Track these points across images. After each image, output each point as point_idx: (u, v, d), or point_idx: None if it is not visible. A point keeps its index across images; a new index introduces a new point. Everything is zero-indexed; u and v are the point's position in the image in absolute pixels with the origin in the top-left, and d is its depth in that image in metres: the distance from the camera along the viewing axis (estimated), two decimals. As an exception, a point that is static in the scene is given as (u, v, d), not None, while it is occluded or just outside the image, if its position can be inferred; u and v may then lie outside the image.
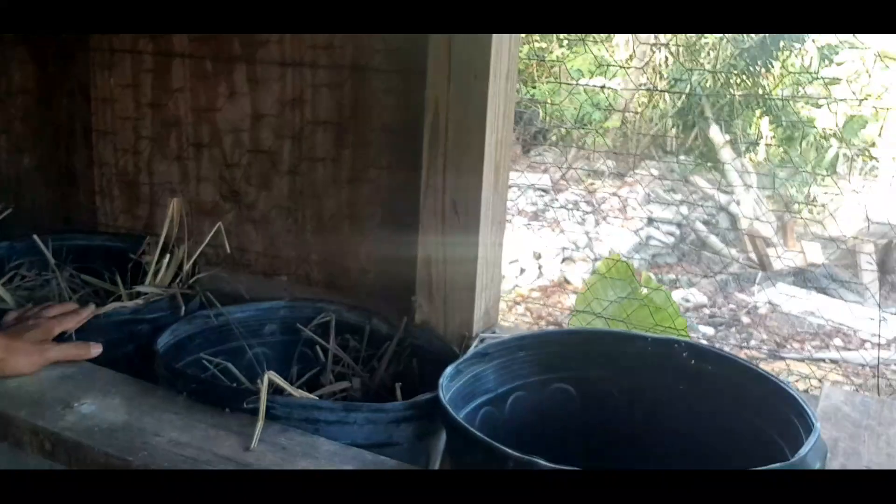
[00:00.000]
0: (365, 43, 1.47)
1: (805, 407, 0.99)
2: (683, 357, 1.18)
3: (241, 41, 1.59)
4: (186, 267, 1.49)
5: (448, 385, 1.11)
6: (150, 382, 1.23)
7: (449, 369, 1.14)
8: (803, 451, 0.89)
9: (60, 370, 1.21)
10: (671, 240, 4.89)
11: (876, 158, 6.95)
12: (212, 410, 1.10)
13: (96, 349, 1.31)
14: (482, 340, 1.35)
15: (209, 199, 1.70)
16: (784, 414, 1.04)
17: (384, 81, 1.46)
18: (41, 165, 1.93)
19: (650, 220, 4.93)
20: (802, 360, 3.79)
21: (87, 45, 1.77)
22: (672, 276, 4.57)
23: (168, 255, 1.47)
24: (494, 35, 1.26)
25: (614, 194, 5.01)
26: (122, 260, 1.65)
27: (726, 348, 3.93)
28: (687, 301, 4.02)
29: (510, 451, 0.90)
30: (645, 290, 2.11)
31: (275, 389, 1.09)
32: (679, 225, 4.98)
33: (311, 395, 1.12)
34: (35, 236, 1.65)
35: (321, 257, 1.60)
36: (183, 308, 1.40)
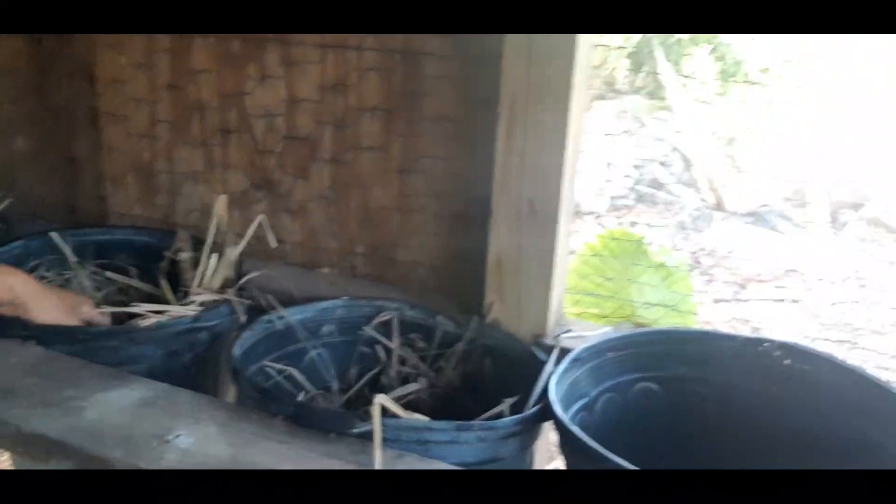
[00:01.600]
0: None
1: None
2: (775, 356, 1.19)
3: (272, 21, 1.49)
4: (233, 264, 1.42)
5: (554, 396, 1.10)
6: (210, 395, 1.20)
7: (553, 380, 1.13)
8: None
9: (138, 394, 1.14)
10: (629, 182, 4.94)
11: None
12: (315, 436, 1.06)
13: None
14: (558, 339, 1.33)
15: (238, 187, 1.61)
16: (893, 418, 1.06)
17: (440, 67, 1.39)
18: (38, 151, 1.78)
19: (607, 164, 4.98)
20: (764, 301, 3.93)
21: (89, 19, 1.63)
22: (632, 219, 4.64)
23: (218, 256, 1.40)
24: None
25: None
26: (149, 256, 1.56)
27: (693, 292, 4.02)
28: (650, 244, 4.09)
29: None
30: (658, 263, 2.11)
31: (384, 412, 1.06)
32: (636, 166, 5.03)
33: (421, 416, 1.08)
34: (53, 233, 1.54)
35: (368, 250, 1.54)
36: (243, 315, 1.33)
